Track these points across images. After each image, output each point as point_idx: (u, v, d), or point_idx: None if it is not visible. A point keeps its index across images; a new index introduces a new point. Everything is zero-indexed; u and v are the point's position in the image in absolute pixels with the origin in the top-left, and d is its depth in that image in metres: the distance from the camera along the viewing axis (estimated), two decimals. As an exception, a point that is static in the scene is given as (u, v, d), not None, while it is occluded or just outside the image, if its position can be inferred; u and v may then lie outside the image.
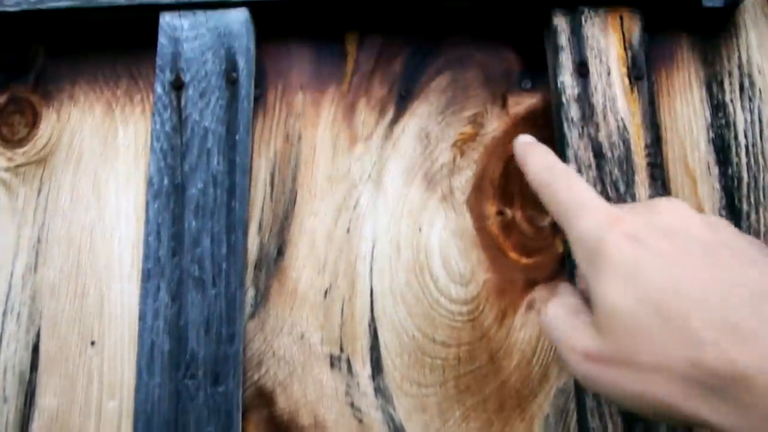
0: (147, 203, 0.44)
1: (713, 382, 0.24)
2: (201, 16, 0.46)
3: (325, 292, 0.45)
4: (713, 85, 0.47)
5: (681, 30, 0.48)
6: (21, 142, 0.49)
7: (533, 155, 0.34)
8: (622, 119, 0.43)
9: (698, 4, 0.45)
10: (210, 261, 0.43)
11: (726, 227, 0.29)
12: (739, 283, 0.25)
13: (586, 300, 0.30)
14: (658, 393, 0.25)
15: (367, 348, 0.44)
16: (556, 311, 0.30)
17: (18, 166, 0.48)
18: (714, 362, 0.24)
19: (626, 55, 0.45)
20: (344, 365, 0.43)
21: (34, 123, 0.49)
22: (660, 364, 0.25)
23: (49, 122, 0.49)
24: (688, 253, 0.27)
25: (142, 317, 0.42)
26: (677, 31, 0.48)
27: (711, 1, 0.45)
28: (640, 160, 0.43)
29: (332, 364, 0.44)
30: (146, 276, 0.43)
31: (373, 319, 0.44)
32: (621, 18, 0.45)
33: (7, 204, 0.47)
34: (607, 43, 0.45)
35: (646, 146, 0.43)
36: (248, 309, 0.44)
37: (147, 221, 0.43)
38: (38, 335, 0.45)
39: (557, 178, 0.32)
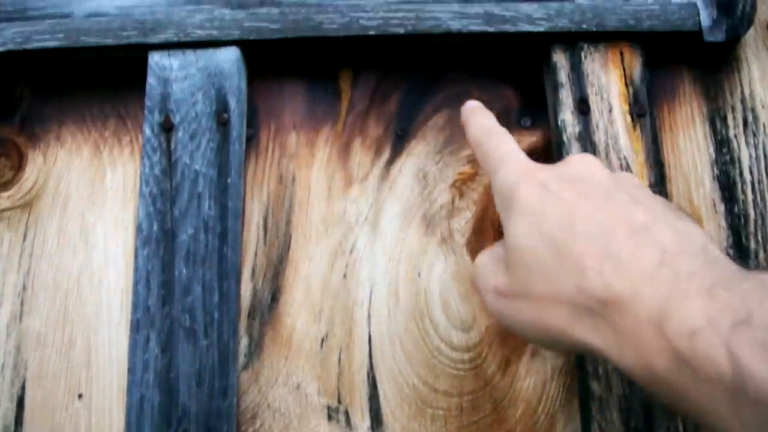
0: (136, 250, 0.42)
1: (595, 306, 0.26)
2: (191, 55, 0.45)
3: (322, 341, 0.43)
4: (716, 120, 0.46)
5: (682, 64, 0.47)
6: (6, 186, 0.47)
7: (475, 117, 0.37)
8: (625, 158, 0.42)
9: (699, 39, 0.45)
10: (201, 310, 0.41)
11: (629, 178, 0.32)
12: (626, 220, 0.27)
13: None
14: (550, 320, 0.28)
15: (366, 399, 0.42)
16: (483, 260, 0.33)
17: (3, 210, 0.46)
18: (595, 286, 0.26)
19: (628, 91, 0.44)
20: (342, 417, 0.42)
21: (19, 165, 0.47)
22: (553, 293, 0.27)
23: (35, 165, 0.47)
24: (587, 196, 0.29)
25: (131, 370, 0.41)
26: (678, 65, 0.47)
27: (712, 36, 0.45)
28: (644, 199, 0.42)
29: (330, 416, 0.42)
30: (135, 326, 0.41)
31: (371, 368, 0.42)
32: (621, 53, 0.44)
33: (-9, 250, 0.46)
34: (608, 80, 0.44)
35: (651, 185, 0.42)
36: (241, 359, 0.43)
37: (136, 269, 0.42)
38: (23, 387, 0.43)
39: (490, 138, 0.35)
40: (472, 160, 0.45)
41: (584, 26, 0.44)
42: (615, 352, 0.26)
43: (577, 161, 0.32)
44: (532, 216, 0.29)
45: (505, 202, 0.31)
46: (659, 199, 0.31)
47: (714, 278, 0.24)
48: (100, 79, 0.48)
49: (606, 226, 0.27)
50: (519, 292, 0.29)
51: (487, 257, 0.33)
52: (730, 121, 0.46)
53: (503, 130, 0.35)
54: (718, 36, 0.45)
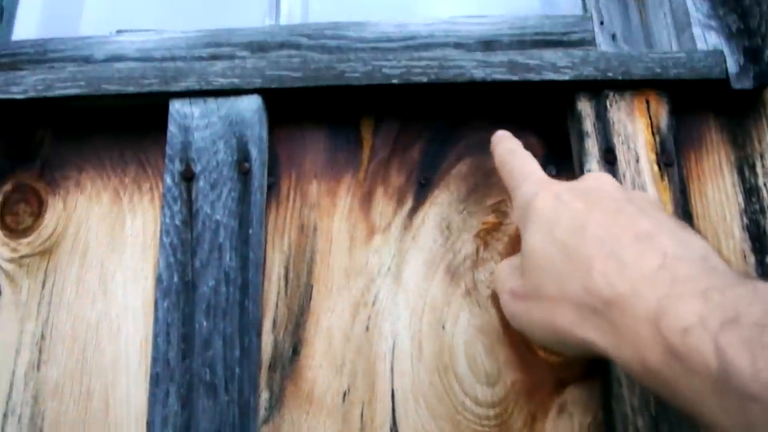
0: (156, 302, 0.42)
1: (599, 306, 0.28)
2: (212, 103, 0.45)
3: (344, 395, 0.42)
4: (745, 169, 0.45)
5: (708, 111, 0.46)
6: (25, 232, 0.47)
7: (502, 143, 0.40)
8: (652, 208, 0.41)
9: (727, 86, 0.44)
10: (222, 365, 0.41)
11: (640, 194, 0.34)
12: (632, 228, 0.29)
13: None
14: (558, 320, 0.30)
15: (389, 456, 0.41)
16: (502, 266, 0.36)
17: (22, 257, 0.46)
18: (600, 286, 0.28)
19: (654, 140, 0.43)
20: (365, 475, 0.41)
21: (39, 212, 0.47)
22: (562, 293, 0.30)
23: (54, 211, 0.47)
24: (598, 206, 0.31)
25: (150, 425, 0.40)
26: (704, 112, 0.46)
27: (740, 83, 0.44)
28: (673, 251, 0.41)
29: (352, 474, 0.41)
30: (155, 380, 0.41)
31: (394, 424, 0.41)
32: (647, 101, 0.44)
33: (10, 297, 0.45)
34: (635, 129, 0.43)
35: (679, 237, 0.41)
36: (262, 413, 0.42)
37: (156, 321, 0.41)
38: (40, 439, 0.42)
39: (514, 158, 0.38)
40: (497, 210, 0.45)
41: (610, 74, 0.43)
42: (614, 349, 0.27)
43: (591, 177, 0.35)
44: (546, 223, 0.32)
45: (524, 212, 0.34)
46: (667, 214, 0.32)
47: (709, 283, 0.26)
48: (121, 125, 0.48)
49: (613, 232, 0.29)
50: (531, 294, 0.32)
51: (506, 264, 0.36)
52: (759, 169, 0.45)
53: (527, 153, 0.38)
54: (746, 83, 0.44)
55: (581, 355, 0.31)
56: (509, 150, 0.39)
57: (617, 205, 0.31)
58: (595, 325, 0.28)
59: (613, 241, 0.29)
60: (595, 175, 0.35)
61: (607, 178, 0.34)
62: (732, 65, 0.44)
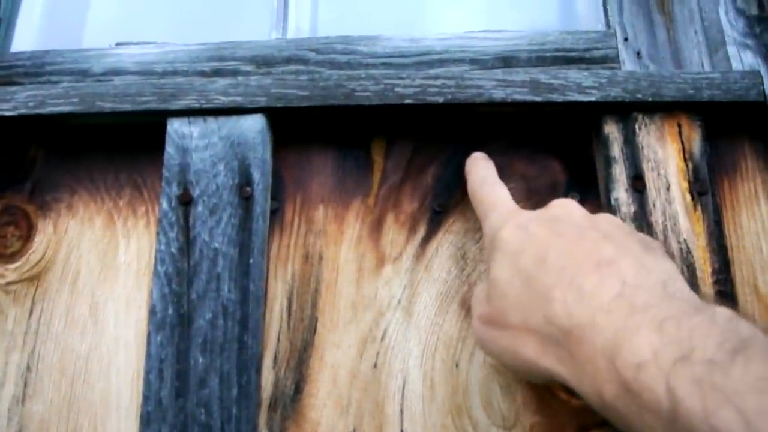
0: (149, 335, 0.39)
1: (560, 337, 0.28)
2: (212, 123, 0.42)
3: (349, 438, 0.39)
4: (783, 197, 0.42)
5: (744, 135, 0.43)
6: (13, 257, 0.44)
7: (475, 169, 0.40)
8: (685, 240, 0.38)
9: (764, 109, 0.41)
10: (218, 404, 0.38)
11: (606, 218, 0.33)
12: (594, 254, 0.29)
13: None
14: (522, 348, 0.30)
15: (398, 507, 0.38)
16: (476, 291, 0.35)
17: (9, 283, 0.43)
18: (560, 316, 0.28)
19: (687, 167, 0.40)
20: None
21: (28, 236, 0.44)
22: (524, 322, 0.30)
23: (44, 235, 0.44)
24: (561, 234, 0.31)
25: (140, 469, 0.37)
26: (739, 136, 0.43)
27: (778, 105, 0.41)
28: (707, 288, 0.38)
29: None
30: (146, 420, 0.38)
31: (404, 471, 0.38)
32: (679, 125, 0.41)
33: (-5, 325, 0.42)
34: (665, 154, 0.40)
35: (714, 272, 0.38)
36: (261, 457, 0.39)
37: (148, 356, 0.38)
38: (23, 479, 0.39)
39: (483, 187, 0.38)
40: (516, 240, 0.42)
41: (639, 96, 0.40)
42: (575, 380, 0.28)
43: (556, 204, 0.35)
44: (512, 254, 0.32)
45: (491, 243, 0.34)
46: (636, 236, 0.32)
47: (667, 312, 0.26)
48: (117, 145, 0.45)
49: (575, 260, 0.30)
50: (497, 321, 0.32)
51: (479, 289, 0.35)
52: (797, 198, 0.42)
53: (496, 180, 0.39)
54: (785, 105, 0.41)
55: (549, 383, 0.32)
56: (481, 179, 0.39)
57: (580, 232, 0.31)
58: (557, 355, 0.28)
59: (575, 269, 0.29)
60: (561, 202, 0.35)
61: (572, 204, 0.34)
62: (769, 86, 0.41)
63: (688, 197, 0.39)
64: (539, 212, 0.34)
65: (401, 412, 0.39)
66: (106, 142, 0.46)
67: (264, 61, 0.49)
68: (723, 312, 0.25)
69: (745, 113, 0.42)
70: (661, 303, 0.26)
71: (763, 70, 0.42)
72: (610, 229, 0.32)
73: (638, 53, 0.48)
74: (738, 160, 0.43)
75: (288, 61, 0.49)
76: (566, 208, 0.34)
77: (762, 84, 0.41)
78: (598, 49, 0.48)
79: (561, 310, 0.28)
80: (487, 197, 0.37)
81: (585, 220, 0.33)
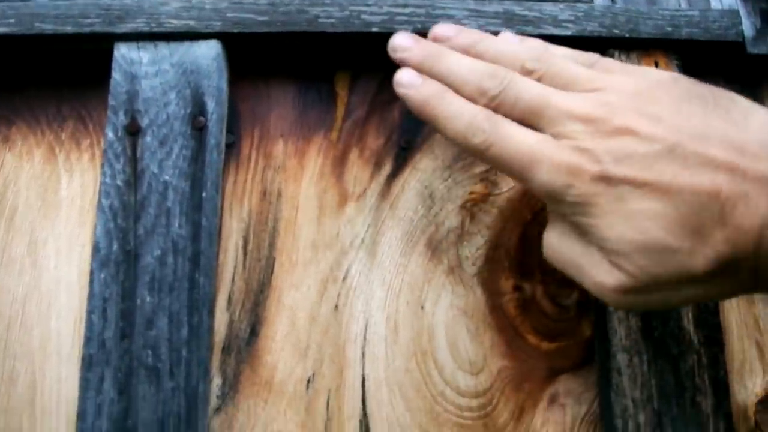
0: (91, 273, 0.36)
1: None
2: (164, 48, 0.39)
3: (308, 382, 0.37)
4: (757, 141, 0.41)
5: (720, 78, 0.42)
6: (-57, 192, 0.40)
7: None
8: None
9: (742, 50, 0.40)
10: (167, 346, 0.35)
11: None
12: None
13: (571, 225, 0.29)
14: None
15: (358, 453, 0.36)
16: (558, 241, 0.30)
17: (-62, 220, 0.40)
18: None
19: (662, 105, 0.38)
20: (330, 474, 0.36)
21: (-41, 169, 0.41)
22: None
23: (-22, 169, 0.41)
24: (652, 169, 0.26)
25: (81, 415, 0.34)
26: (716, 79, 0.42)
27: (756, 47, 0.40)
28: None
29: (315, 473, 0.36)
30: (88, 363, 0.35)
31: (365, 416, 0.37)
32: (656, 64, 0.39)
33: None
34: (641, 92, 0.39)
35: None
36: (213, 402, 0.37)
37: (91, 295, 0.36)
38: (-46, 430, 0.36)
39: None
40: (486, 179, 0.40)
41: (616, 31, 0.39)
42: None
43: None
44: (621, 214, 0.26)
45: (576, 209, 0.28)
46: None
47: None
48: (59, 74, 0.42)
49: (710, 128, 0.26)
50: (649, 285, 0.27)
51: (564, 241, 0.30)
52: (771, 143, 0.41)
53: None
54: (763, 48, 0.40)
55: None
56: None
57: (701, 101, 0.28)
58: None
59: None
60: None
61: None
62: (748, 27, 0.40)
63: (663, 136, 0.38)
64: (597, 138, 0.29)
65: (363, 355, 0.37)
66: (47, 70, 0.42)
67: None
68: None
69: (723, 54, 0.40)
70: None
71: (741, 11, 0.41)
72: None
73: (613, -7, 0.47)
74: (712, 103, 0.42)
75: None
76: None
77: (740, 24, 0.40)
78: (572, -11, 0.46)
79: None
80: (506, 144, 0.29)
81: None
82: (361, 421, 0.36)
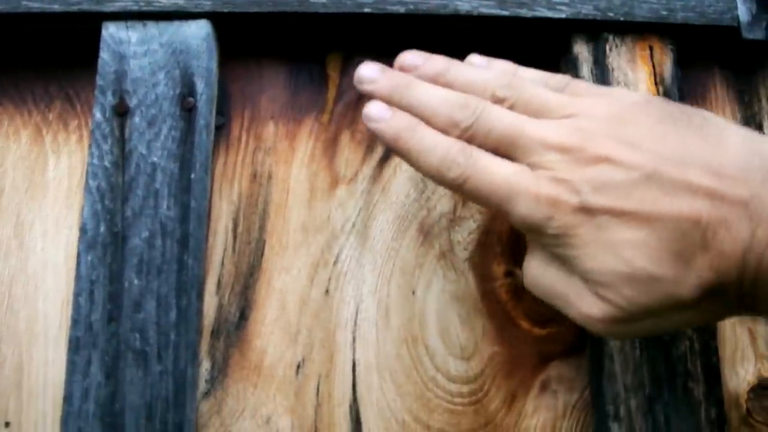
0: (78, 255, 0.35)
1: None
2: (153, 28, 0.38)
3: (297, 367, 0.37)
4: (752, 128, 0.41)
5: (714, 64, 0.42)
6: (-73, 173, 0.40)
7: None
8: (652, 166, 0.37)
9: (737, 36, 0.39)
10: (155, 330, 0.35)
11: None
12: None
13: (552, 255, 0.29)
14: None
15: (348, 438, 0.36)
16: (539, 272, 0.30)
17: None
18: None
19: (657, 91, 0.38)
20: (319, 459, 0.36)
21: (-56, 150, 0.40)
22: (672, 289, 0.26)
23: (-37, 149, 0.40)
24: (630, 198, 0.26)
25: (67, 398, 0.34)
26: (709, 64, 0.42)
27: (751, 33, 0.39)
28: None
29: (304, 458, 0.36)
30: (74, 346, 0.35)
31: (355, 401, 0.36)
32: (651, 48, 0.39)
33: None
34: (636, 77, 0.38)
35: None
36: (202, 386, 0.36)
37: (78, 277, 0.35)
38: (-61, 413, 0.36)
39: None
40: (478, 163, 0.39)
41: (611, 14, 0.38)
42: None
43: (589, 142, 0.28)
44: (602, 244, 0.26)
45: (557, 240, 0.27)
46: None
47: None
48: (47, 53, 0.41)
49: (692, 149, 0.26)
50: (634, 315, 0.27)
51: (544, 270, 0.30)
52: (766, 129, 0.41)
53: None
54: (758, 33, 0.39)
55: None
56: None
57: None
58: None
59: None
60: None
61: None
62: (743, 13, 0.40)
63: (657, 121, 0.38)
64: (575, 170, 0.29)
65: (353, 340, 0.37)
66: (34, 49, 0.41)
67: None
68: None
69: (718, 39, 0.40)
70: None
71: (736, -5, 0.40)
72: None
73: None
74: (708, 90, 0.42)
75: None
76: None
77: (736, 9, 0.39)
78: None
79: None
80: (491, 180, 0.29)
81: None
82: (351, 406, 0.36)
